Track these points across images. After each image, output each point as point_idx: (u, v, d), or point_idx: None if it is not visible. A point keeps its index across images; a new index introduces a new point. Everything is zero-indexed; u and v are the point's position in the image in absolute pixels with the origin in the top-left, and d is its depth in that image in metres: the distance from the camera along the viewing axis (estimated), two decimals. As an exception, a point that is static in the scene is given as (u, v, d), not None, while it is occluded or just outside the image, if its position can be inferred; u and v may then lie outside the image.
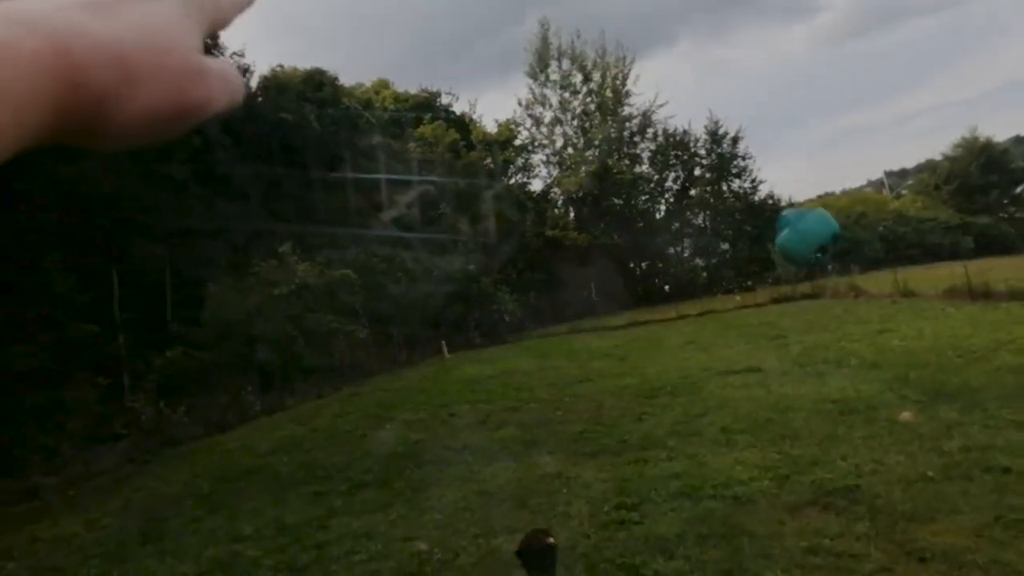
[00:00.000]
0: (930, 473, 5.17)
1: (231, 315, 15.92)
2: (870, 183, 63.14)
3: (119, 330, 14.13)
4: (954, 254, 33.10)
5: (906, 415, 6.85)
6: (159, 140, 0.37)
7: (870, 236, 37.65)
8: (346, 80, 28.20)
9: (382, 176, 24.57)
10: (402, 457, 8.29)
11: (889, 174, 62.78)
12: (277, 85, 24.18)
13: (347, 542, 5.60)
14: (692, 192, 37.44)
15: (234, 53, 21.42)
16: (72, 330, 12.56)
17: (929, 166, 50.43)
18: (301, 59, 53.60)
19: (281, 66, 25.57)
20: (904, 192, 51.25)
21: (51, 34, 0.31)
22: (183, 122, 0.38)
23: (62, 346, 12.27)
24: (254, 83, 23.82)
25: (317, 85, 25.00)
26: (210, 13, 0.42)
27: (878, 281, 21.80)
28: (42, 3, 0.34)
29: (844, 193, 53.90)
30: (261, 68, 24.72)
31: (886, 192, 52.67)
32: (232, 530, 6.38)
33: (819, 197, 51.33)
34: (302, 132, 22.55)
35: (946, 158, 46.26)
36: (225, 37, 20.38)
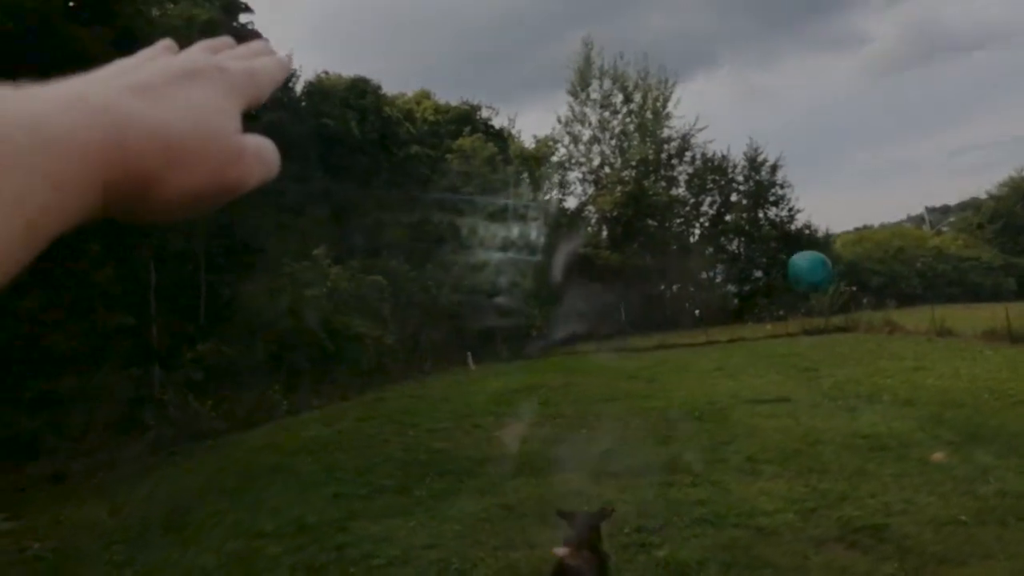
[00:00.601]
0: (963, 516, 5.05)
1: (263, 314, 16.12)
2: (910, 218, 62.11)
3: (153, 322, 14.36)
4: (995, 295, 32.33)
5: (939, 455, 6.70)
6: (194, 215, 0.39)
7: (907, 272, 37.02)
8: (388, 89, 28.50)
9: (418, 185, 24.78)
10: (424, 465, 8.29)
11: (930, 210, 61.73)
12: (321, 91, 24.52)
13: (366, 545, 5.62)
14: (728, 218, 37.17)
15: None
16: (108, 319, 12.79)
17: (973, 204, 49.57)
18: (346, 66, 54.34)
19: (326, 72, 25.94)
20: (945, 229, 50.34)
21: (110, 123, 0.33)
22: (219, 200, 0.40)
23: (97, 334, 12.51)
24: (299, 88, 24.18)
25: (360, 93, 25.30)
26: (249, 93, 0.45)
27: (914, 318, 21.39)
28: (101, 87, 0.36)
29: (882, 227, 53.12)
30: (307, 73, 25.07)
31: (926, 228, 51.77)
32: (253, 526, 6.43)
33: (856, 229, 50.68)
34: (343, 138, 22.84)
35: (991, 196, 45.44)
36: (274, 42, 20.73)
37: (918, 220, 59.60)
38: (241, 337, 15.52)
